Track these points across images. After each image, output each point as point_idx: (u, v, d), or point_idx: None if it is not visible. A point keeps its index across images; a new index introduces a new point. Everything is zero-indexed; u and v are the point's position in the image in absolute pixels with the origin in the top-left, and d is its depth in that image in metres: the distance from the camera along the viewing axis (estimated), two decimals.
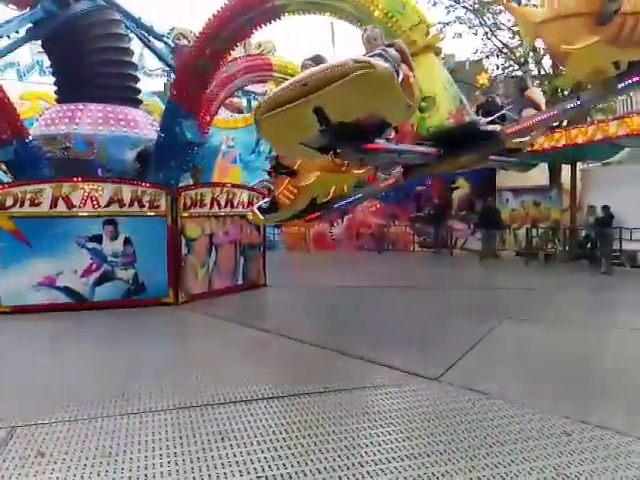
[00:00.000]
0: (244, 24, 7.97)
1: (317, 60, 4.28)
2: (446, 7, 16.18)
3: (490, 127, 5.03)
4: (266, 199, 6.90)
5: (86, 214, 7.31)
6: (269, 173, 6.93)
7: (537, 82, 16.26)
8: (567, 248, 13.04)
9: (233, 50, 8.95)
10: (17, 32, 10.20)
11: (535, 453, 2.80)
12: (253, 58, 11.41)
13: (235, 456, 2.81)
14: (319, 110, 3.34)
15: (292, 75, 12.02)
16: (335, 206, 6.53)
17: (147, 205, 7.56)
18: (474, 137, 4.97)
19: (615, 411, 3.35)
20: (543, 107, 5.49)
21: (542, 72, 16.05)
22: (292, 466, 2.68)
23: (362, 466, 2.68)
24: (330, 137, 3.70)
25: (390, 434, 3.06)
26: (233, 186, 9.13)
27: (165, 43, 10.87)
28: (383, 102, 3.59)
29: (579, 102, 4.69)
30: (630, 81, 4.42)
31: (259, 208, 6.47)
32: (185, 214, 7.80)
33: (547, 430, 3.08)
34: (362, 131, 3.80)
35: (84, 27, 9.74)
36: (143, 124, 10.18)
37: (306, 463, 2.71)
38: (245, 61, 10.83)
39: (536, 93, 5.73)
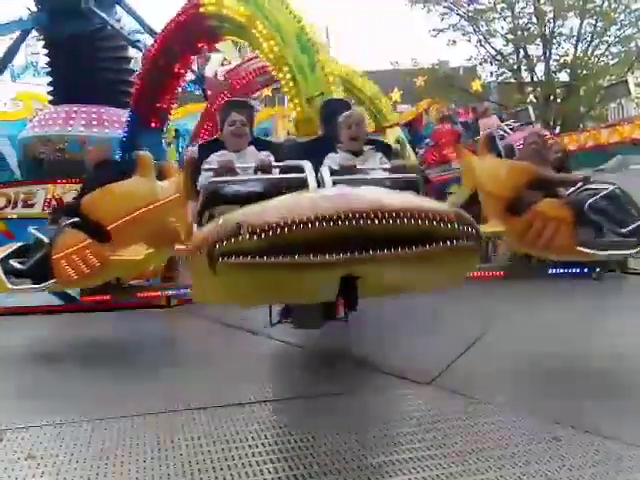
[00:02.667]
0: (189, 40, 7.82)
1: (246, 107, 3.64)
2: (440, 14, 16.32)
3: None
4: (12, 248, 4.79)
5: None
6: (51, 218, 4.67)
7: (530, 89, 16.43)
8: None
9: (188, 64, 8.69)
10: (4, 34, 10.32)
11: (526, 458, 2.81)
12: None
13: (226, 460, 2.80)
14: (351, 281, 1.85)
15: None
16: (140, 295, 4.98)
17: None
18: None
19: (604, 416, 3.37)
20: None
21: (535, 79, 16.19)
22: (283, 470, 2.68)
23: (353, 470, 2.68)
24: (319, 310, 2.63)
25: (381, 438, 3.07)
26: None
27: (139, 49, 10.84)
28: (444, 284, 2.41)
29: (502, 274, 4.59)
30: (555, 271, 4.34)
31: (4, 262, 4.37)
32: None
33: (537, 435, 3.09)
34: None
35: (88, 38, 9.74)
36: None
37: (298, 467, 2.71)
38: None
39: None
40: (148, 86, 8.36)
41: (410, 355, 4.76)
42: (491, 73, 16.94)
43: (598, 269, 4.74)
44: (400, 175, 2.88)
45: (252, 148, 3.48)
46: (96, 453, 2.89)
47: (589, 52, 15.42)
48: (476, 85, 16.01)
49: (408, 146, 11.42)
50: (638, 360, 4.62)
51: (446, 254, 1.75)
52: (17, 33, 10.63)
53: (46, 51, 10.50)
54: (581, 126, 14.43)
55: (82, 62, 9.62)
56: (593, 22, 15.12)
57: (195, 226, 3.07)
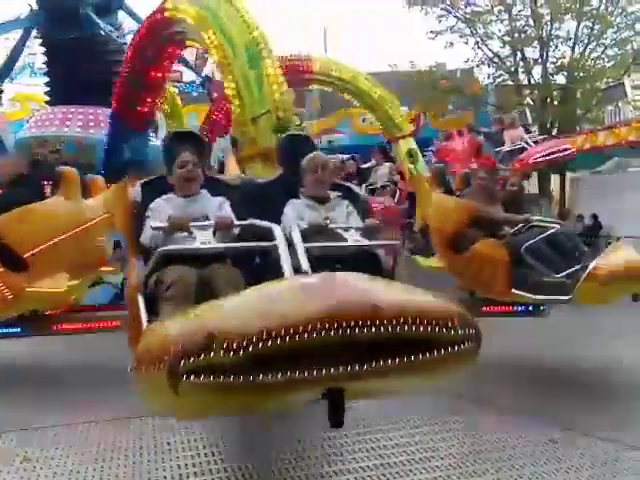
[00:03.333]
0: (159, 45, 7.63)
1: (197, 141, 3.12)
2: (438, 16, 16.33)
3: None
4: None
5: None
6: None
7: (527, 91, 16.48)
8: None
9: (166, 68, 8.41)
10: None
11: (522, 460, 2.82)
12: (291, 61, 10.56)
13: (223, 462, 2.80)
14: (338, 393, 1.56)
15: (337, 79, 11.10)
16: (58, 327, 4.29)
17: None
18: None
19: (602, 419, 3.38)
20: None
21: (532, 81, 16.23)
22: (280, 473, 2.68)
23: (350, 472, 2.67)
24: None
25: (378, 441, 3.06)
26: None
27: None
28: (441, 384, 2.14)
29: None
30: (496, 309, 4.34)
31: None
32: None
33: (534, 437, 3.10)
34: None
35: (87, 40, 9.73)
36: None
37: (295, 470, 2.70)
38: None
39: None
40: (127, 89, 8.19)
41: None
42: (488, 75, 16.96)
43: (543, 307, 4.65)
44: (379, 242, 2.63)
45: (205, 193, 2.97)
46: (92, 455, 2.88)
47: (586, 55, 15.47)
48: (475, 88, 15.99)
49: (421, 158, 10.78)
50: (634, 365, 4.63)
51: (447, 360, 1.60)
52: (18, 34, 10.64)
53: (44, 50, 10.50)
54: (578, 128, 14.45)
55: (80, 63, 9.60)
56: (590, 25, 15.16)
57: (141, 302, 2.47)
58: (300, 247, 2.23)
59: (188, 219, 2.68)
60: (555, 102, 15.73)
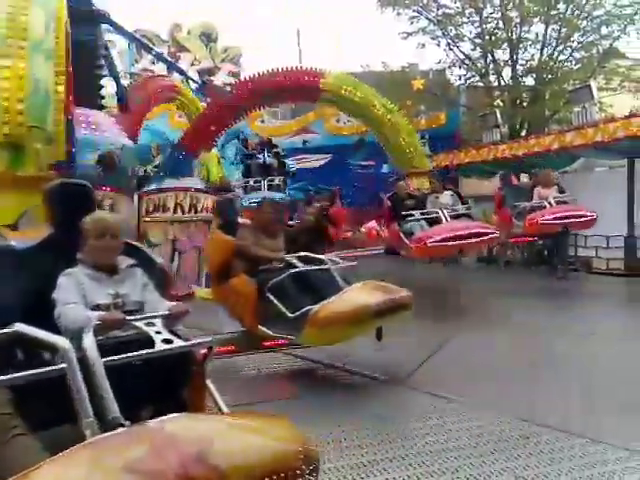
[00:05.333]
0: None
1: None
2: (410, 18, 16.47)
3: None
4: None
5: None
6: None
7: (498, 93, 16.74)
8: (525, 254, 13.38)
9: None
10: None
11: (494, 456, 2.86)
12: (298, 73, 9.90)
13: None
14: None
15: (348, 101, 9.66)
16: None
17: (108, 209, 7.40)
18: None
19: (571, 414, 3.45)
20: None
21: (502, 83, 16.50)
22: None
23: (325, 473, 2.66)
24: None
25: (353, 440, 3.07)
26: (196, 191, 9.02)
27: None
28: None
29: (232, 348, 4.38)
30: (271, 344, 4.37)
31: None
32: (147, 219, 7.66)
33: (506, 433, 3.15)
34: None
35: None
36: (106, 126, 9.96)
37: None
38: (282, 78, 9.72)
39: None
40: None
41: (379, 356, 4.79)
42: (460, 77, 17.17)
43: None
44: (193, 342, 2.14)
45: None
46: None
47: (554, 57, 15.78)
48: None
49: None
50: (604, 361, 4.74)
51: None
52: None
53: None
54: (547, 129, 14.74)
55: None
56: (557, 28, 15.48)
57: None
58: (103, 380, 1.69)
59: None
60: (524, 103, 16.03)
